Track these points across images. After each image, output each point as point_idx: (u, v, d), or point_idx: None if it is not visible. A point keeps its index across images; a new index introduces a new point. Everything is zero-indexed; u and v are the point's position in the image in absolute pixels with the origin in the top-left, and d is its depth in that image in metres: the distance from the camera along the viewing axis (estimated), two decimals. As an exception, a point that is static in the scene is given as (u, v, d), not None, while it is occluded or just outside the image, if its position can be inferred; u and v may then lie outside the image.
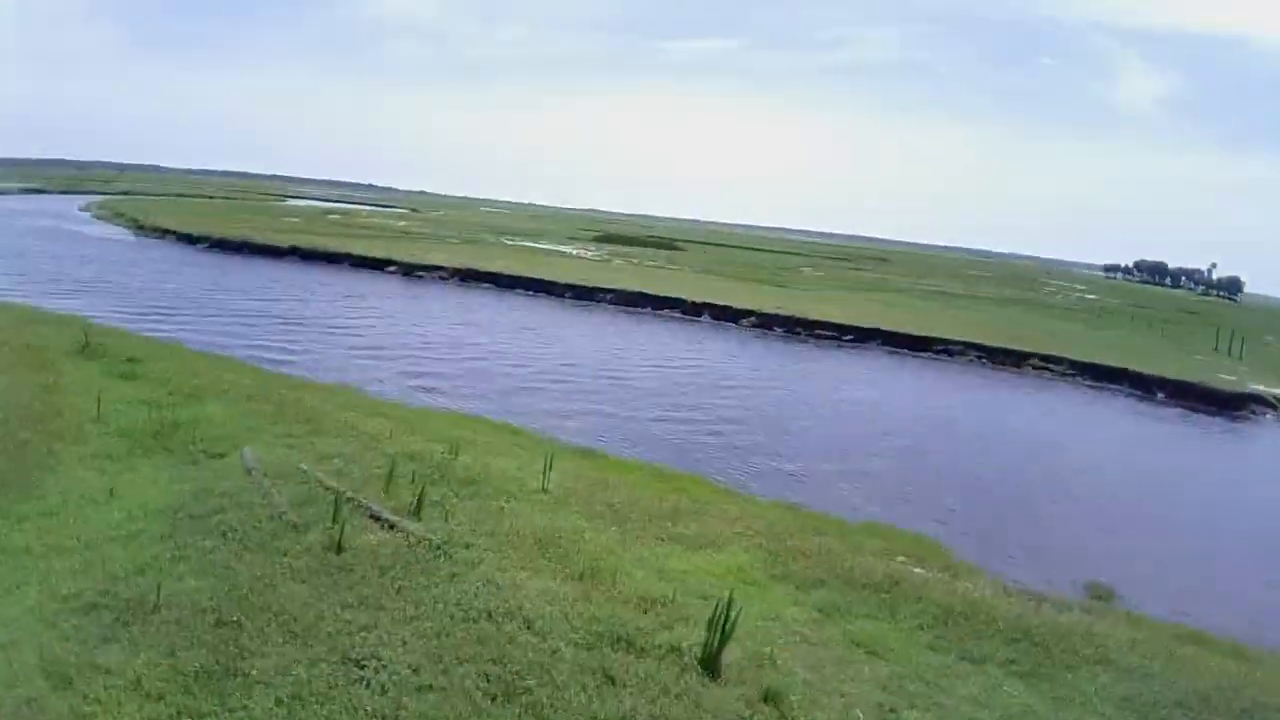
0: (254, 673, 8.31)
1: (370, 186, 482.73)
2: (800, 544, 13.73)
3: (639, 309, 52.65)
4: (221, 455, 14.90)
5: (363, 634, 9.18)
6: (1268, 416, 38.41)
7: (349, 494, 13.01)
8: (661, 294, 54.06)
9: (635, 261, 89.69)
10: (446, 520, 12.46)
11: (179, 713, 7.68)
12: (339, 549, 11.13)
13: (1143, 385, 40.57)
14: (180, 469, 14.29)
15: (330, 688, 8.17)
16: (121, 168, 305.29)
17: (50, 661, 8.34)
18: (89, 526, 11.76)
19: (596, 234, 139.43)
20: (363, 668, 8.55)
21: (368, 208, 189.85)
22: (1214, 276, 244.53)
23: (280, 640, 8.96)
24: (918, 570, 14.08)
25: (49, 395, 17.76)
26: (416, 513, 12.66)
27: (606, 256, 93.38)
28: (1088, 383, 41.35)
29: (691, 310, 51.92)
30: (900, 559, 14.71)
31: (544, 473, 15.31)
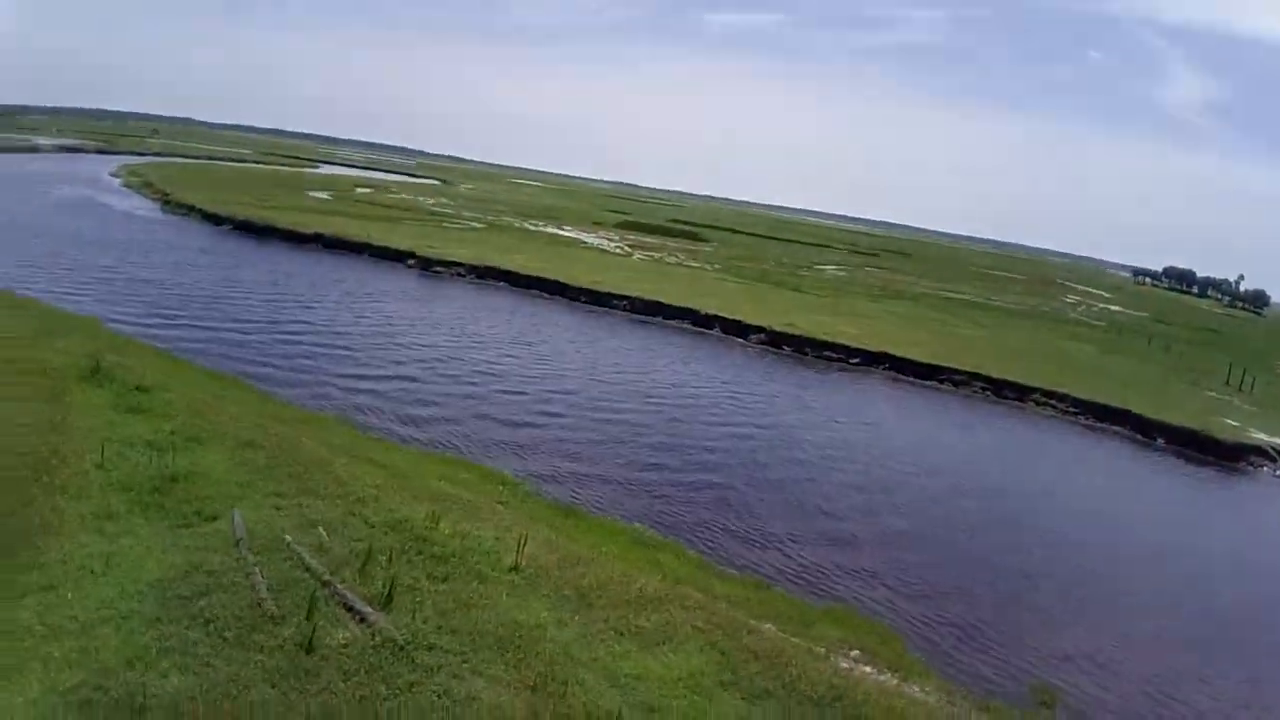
0: (216, 800, 9.06)
1: (404, 150, 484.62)
2: (755, 643, 14.33)
3: (651, 318, 53.16)
4: (213, 518, 15.63)
5: (318, 756, 9.92)
6: (1265, 470, 38.38)
7: (326, 577, 13.79)
8: (674, 303, 54.46)
9: (656, 256, 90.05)
10: (415, 615, 13.14)
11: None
12: (310, 648, 11.86)
13: (1142, 429, 40.67)
14: (174, 534, 15.01)
15: (279, 822, 8.91)
16: (159, 121, 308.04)
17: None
18: (86, 604, 12.50)
19: (620, 220, 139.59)
20: (311, 799, 9.27)
21: (397, 178, 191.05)
22: (1241, 289, 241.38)
23: (243, 759, 9.71)
24: (868, 670, 14.72)
25: (56, 435, 18.44)
26: (387, 602, 13.36)
27: (628, 249, 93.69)
28: (1087, 422, 41.47)
29: (702, 322, 52.35)
30: (855, 653, 15.33)
31: (519, 547, 16.00)
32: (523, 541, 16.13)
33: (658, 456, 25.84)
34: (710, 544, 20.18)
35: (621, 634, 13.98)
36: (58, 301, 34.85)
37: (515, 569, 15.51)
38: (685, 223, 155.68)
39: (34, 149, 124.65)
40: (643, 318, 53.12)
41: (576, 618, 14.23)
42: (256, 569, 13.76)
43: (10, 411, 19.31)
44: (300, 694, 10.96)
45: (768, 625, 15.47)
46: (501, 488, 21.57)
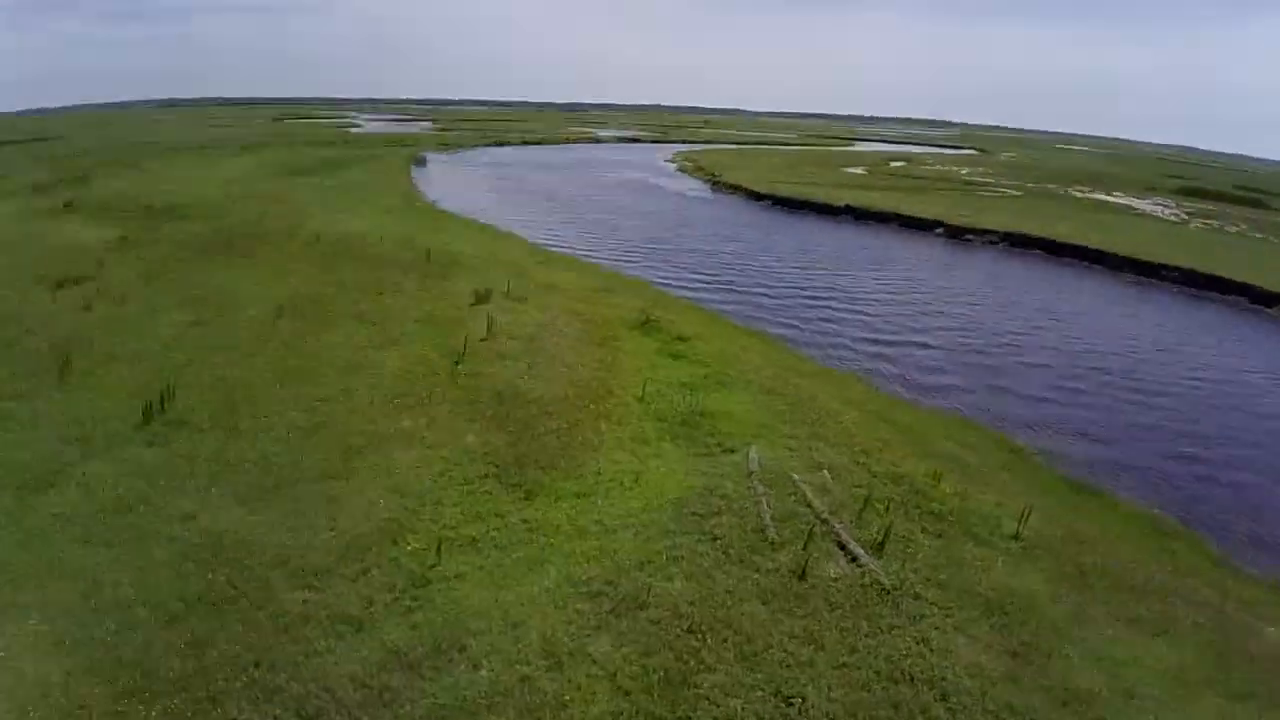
0: (704, 687, 10.40)
1: (944, 124, 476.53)
2: (1256, 645, 12.75)
3: (1205, 292, 46.60)
4: (731, 451, 17.45)
5: (798, 670, 10.84)
6: None
7: (825, 515, 14.72)
8: (1234, 278, 47.01)
9: (1216, 225, 78.27)
10: (905, 564, 13.55)
11: (638, 712, 10.00)
12: (802, 575, 12.88)
13: None
14: (696, 460, 17.08)
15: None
16: (710, 113, 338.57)
17: (549, 643, 11.19)
18: (612, 511, 14.87)
19: (1179, 185, 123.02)
20: (789, 705, 10.21)
21: (934, 150, 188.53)
22: None
23: (732, 659, 10.98)
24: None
25: (605, 373, 21.96)
26: (880, 548, 13.91)
27: (1184, 216, 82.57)
28: None
29: (1263, 300, 44.56)
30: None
31: (1023, 517, 15.53)
32: (1027, 511, 15.66)
33: (1190, 446, 22.80)
34: (1231, 541, 17.64)
35: (1118, 619, 13.09)
36: (615, 265, 40.84)
37: (1016, 537, 15.15)
38: (1255, 190, 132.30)
39: (596, 140, 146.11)
40: (1195, 292, 46.69)
41: (1072, 595, 13.57)
42: (764, 499, 15.17)
43: (574, 353, 23.26)
44: (788, 615, 11.99)
45: (1275, 629, 13.38)
46: (1010, 455, 20.86)
